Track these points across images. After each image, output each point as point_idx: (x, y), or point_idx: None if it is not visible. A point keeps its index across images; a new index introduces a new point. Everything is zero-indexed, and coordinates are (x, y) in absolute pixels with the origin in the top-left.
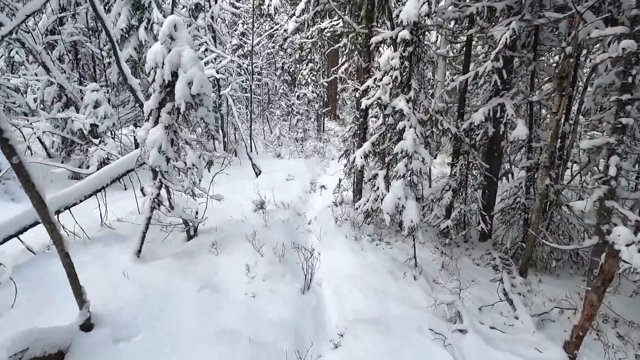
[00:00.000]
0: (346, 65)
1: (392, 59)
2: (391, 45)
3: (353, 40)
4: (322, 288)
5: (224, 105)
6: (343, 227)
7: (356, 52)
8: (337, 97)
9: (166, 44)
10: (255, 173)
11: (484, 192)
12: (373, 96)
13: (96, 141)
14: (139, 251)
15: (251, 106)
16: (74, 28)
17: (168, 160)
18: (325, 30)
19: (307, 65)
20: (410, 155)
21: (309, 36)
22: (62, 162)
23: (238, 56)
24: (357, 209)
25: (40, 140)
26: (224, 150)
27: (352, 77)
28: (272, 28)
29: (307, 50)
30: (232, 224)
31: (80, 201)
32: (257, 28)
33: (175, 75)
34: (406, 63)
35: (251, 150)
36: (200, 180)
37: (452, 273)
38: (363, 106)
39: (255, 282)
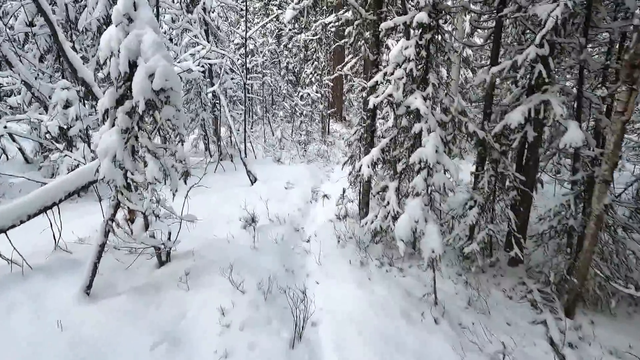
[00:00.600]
0: (353, 62)
1: (405, 49)
2: (404, 35)
3: (359, 28)
4: (319, 335)
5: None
6: (347, 247)
7: (362, 42)
8: (343, 97)
9: (122, 26)
10: (251, 180)
11: (517, 208)
12: (383, 93)
13: (61, 146)
14: (89, 286)
15: (246, 106)
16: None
17: (126, 172)
18: (330, 25)
19: (311, 64)
20: (432, 166)
21: (314, 33)
22: (40, 169)
23: (240, 55)
24: (363, 226)
25: (18, 143)
26: (219, 154)
27: (359, 75)
28: (277, 28)
29: (313, 50)
30: (215, 246)
31: (22, 222)
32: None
33: (134, 65)
34: (423, 53)
35: (246, 155)
36: (174, 194)
37: (482, 311)
38: (371, 105)
39: (231, 333)
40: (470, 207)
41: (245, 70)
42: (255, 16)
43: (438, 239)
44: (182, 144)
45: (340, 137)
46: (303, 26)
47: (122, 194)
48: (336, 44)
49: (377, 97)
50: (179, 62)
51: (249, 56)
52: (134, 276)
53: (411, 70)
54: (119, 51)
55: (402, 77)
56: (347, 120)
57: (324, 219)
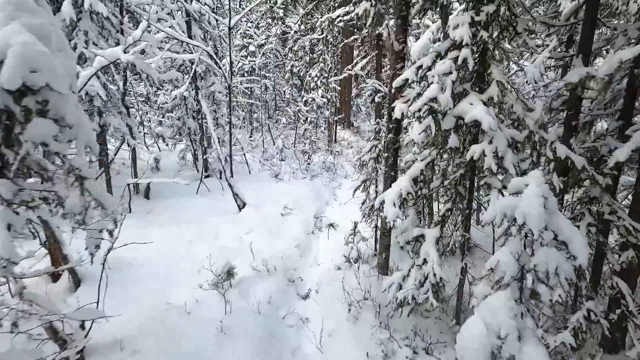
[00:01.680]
0: (364, 61)
1: (455, 28)
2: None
3: (378, 5)
4: None
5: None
6: (361, 320)
7: (384, 27)
8: (352, 102)
9: None
10: (238, 206)
11: (629, 273)
12: (417, 96)
13: None
14: None
15: (231, 114)
16: None
17: None
18: (338, 20)
19: (317, 67)
20: (536, 233)
21: (320, 31)
22: None
23: (242, 56)
24: (385, 290)
25: None
26: (204, 171)
27: (371, 76)
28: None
29: (319, 52)
30: (163, 325)
31: None
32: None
33: None
34: (483, 34)
35: (232, 174)
36: (92, 259)
37: None
38: (398, 113)
39: None
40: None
41: (229, 70)
42: (261, 19)
43: None
44: (82, 185)
45: (349, 146)
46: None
47: None
48: (344, 43)
49: (407, 102)
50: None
51: (250, 57)
52: None
53: (464, 61)
54: None
55: (451, 72)
56: (355, 126)
57: (329, 262)
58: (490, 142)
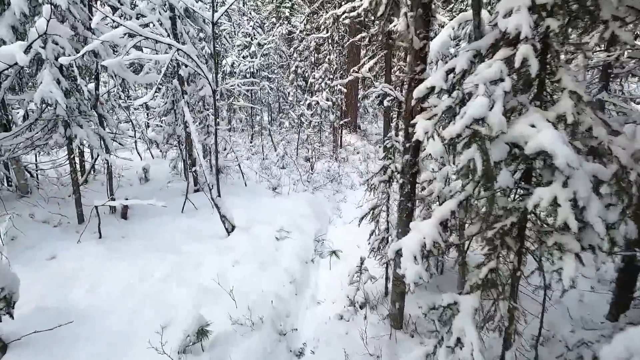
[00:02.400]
0: (371, 62)
1: (507, 15)
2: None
3: None
4: None
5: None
6: None
7: (402, 16)
8: (358, 104)
9: None
10: (226, 229)
11: None
12: (448, 110)
13: None
14: None
15: (216, 122)
16: None
17: None
18: (343, 17)
19: (321, 67)
20: None
21: (325, 29)
22: None
23: (244, 57)
24: None
25: None
26: (195, 184)
27: (379, 78)
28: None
29: (325, 52)
30: None
31: None
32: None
33: None
34: (550, 23)
35: (219, 193)
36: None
37: None
38: (419, 134)
39: None
40: None
41: (214, 72)
42: (267, 19)
43: None
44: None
45: (355, 151)
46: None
47: None
48: (350, 42)
49: (431, 117)
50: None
51: (251, 57)
52: None
53: (524, 62)
54: None
55: (502, 79)
56: (362, 129)
57: (330, 304)
58: (566, 184)
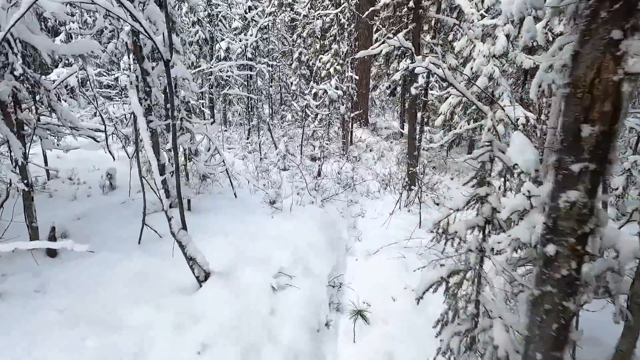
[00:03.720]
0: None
1: None
2: None
3: None
4: None
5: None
6: None
7: None
8: (369, 93)
9: None
10: (197, 278)
11: None
12: None
13: None
14: None
15: (172, 115)
16: None
17: None
18: None
19: (329, 48)
20: None
21: (334, 6)
22: None
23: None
24: None
25: None
26: (167, 197)
27: (403, 58)
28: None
29: (331, 37)
30: None
31: None
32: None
33: None
34: None
35: (184, 225)
36: None
37: None
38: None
39: None
40: None
41: (169, 37)
42: (268, 6)
43: None
44: None
45: (368, 149)
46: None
47: None
48: (366, 14)
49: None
50: None
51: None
52: None
53: None
54: None
55: None
56: (371, 123)
57: None
58: None
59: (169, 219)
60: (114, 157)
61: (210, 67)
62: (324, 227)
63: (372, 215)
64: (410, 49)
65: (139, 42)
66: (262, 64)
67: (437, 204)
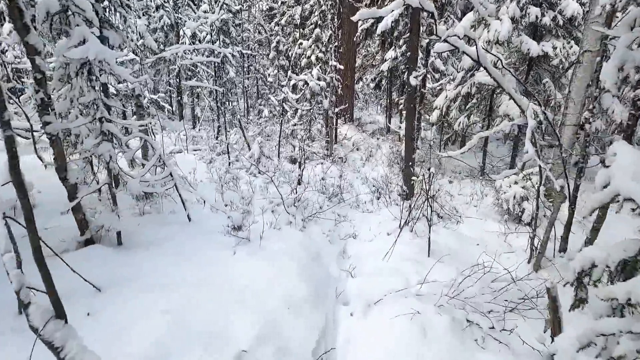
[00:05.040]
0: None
1: None
2: None
3: None
4: None
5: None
6: None
7: None
8: (355, 85)
9: None
10: None
11: None
12: None
13: None
14: None
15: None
16: None
17: None
18: None
19: (310, 34)
20: None
21: None
22: None
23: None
24: None
25: None
26: (82, 232)
27: (374, 56)
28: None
29: (312, 26)
30: None
31: None
32: None
33: None
34: None
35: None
36: None
37: None
38: None
39: None
40: None
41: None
42: None
43: None
44: None
45: (354, 147)
46: None
47: None
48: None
49: None
50: None
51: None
52: None
53: None
54: None
55: None
56: (357, 119)
57: None
58: None
59: (24, 306)
60: (45, 165)
61: (162, 53)
62: (306, 264)
63: (366, 236)
64: (432, 12)
65: (17, 1)
66: (227, 47)
67: (441, 217)
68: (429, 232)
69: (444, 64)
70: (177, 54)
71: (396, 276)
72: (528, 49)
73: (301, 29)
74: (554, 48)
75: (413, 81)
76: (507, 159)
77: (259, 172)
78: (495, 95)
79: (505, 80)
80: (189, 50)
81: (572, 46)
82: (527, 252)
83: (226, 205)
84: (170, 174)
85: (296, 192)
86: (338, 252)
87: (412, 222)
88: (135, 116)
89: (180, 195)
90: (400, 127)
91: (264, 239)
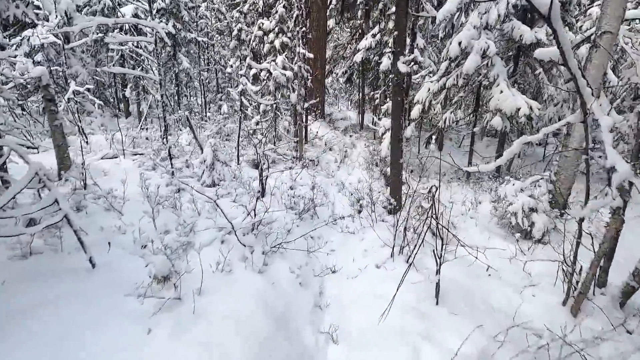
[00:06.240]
0: None
1: None
2: None
3: None
4: None
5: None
6: None
7: None
8: (326, 79)
9: None
10: None
11: None
12: None
13: None
14: None
15: None
16: None
17: None
18: None
19: (274, 15)
20: None
21: None
22: None
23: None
24: None
25: None
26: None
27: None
28: None
29: (276, 13)
30: None
31: None
32: None
33: None
34: None
35: None
36: None
37: None
38: None
39: None
40: None
41: None
42: None
43: None
44: None
45: (327, 148)
46: None
47: None
48: None
49: None
50: None
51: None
52: None
53: None
54: None
55: None
56: (327, 114)
57: None
58: None
59: None
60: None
61: (68, 27)
62: (267, 337)
63: (349, 270)
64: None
65: None
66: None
67: (436, 236)
68: (438, 271)
69: (420, 55)
70: (96, 32)
71: (398, 345)
72: (520, 36)
73: (266, 17)
74: (548, 35)
75: (402, 67)
76: (493, 159)
77: (213, 184)
78: (482, 89)
79: (574, 60)
80: (111, 29)
81: (566, 32)
82: (554, 284)
83: (151, 242)
84: (57, 201)
85: (254, 215)
86: (313, 302)
87: (407, 248)
88: (45, 113)
89: (75, 231)
90: (375, 124)
91: (204, 294)
